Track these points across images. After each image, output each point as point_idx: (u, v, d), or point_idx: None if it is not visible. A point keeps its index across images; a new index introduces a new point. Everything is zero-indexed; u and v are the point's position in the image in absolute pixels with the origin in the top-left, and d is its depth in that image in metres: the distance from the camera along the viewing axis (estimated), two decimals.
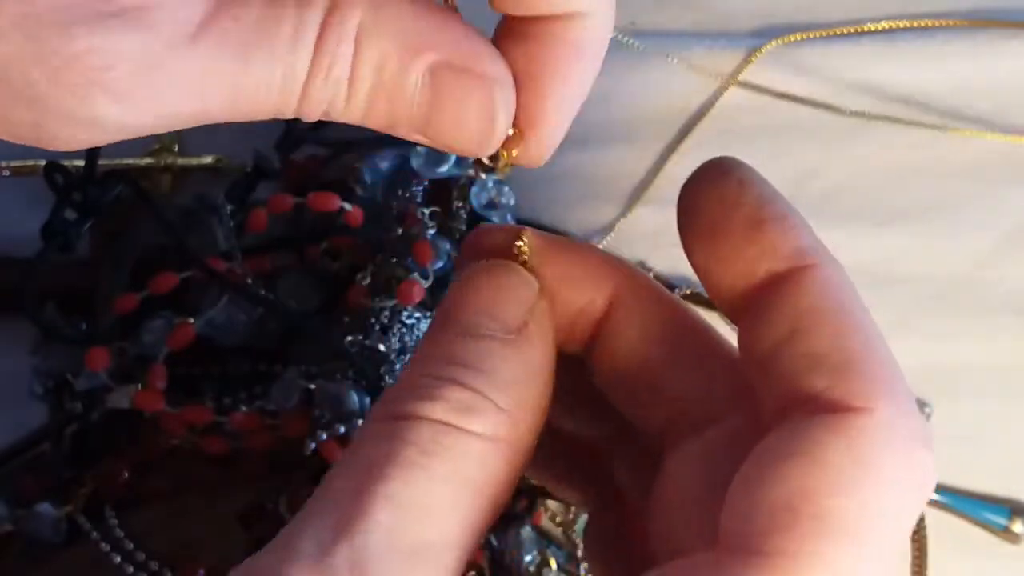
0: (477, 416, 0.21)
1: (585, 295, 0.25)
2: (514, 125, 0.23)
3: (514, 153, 0.24)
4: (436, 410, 0.21)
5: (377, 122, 0.22)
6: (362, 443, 0.21)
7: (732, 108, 0.52)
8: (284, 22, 0.21)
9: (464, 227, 0.45)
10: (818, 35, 0.53)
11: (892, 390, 0.21)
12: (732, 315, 0.23)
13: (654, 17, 0.55)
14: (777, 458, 0.20)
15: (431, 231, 0.44)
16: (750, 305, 0.22)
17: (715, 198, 0.22)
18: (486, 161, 0.24)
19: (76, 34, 0.19)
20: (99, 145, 0.21)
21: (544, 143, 0.24)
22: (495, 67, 0.23)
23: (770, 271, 0.22)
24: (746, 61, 0.53)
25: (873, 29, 0.53)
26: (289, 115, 0.22)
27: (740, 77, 0.52)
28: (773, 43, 0.53)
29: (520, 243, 0.25)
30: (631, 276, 0.25)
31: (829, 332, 0.21)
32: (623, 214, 0.51)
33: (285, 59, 0.21)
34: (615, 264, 0.25)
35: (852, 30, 0.53)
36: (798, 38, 0.53)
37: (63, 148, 0.21)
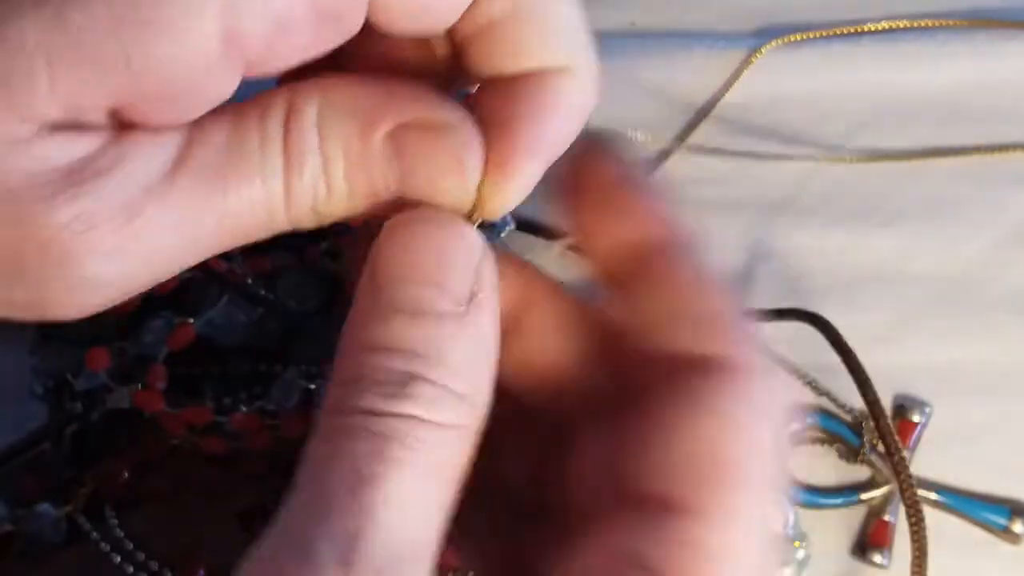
0: (442, 407, 0.21)
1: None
2: (483, 173, 0.23)
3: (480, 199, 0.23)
4: (407, 406, 0.21)
5: (365, 204, 0.23)
6: (339, 436, 0.21)
7: (733, 108, 0.52)
8: (250, 137, 0.21)
9: None
10: (818, 35, 0.53)
11: (753, 337, 0.23)
12: (607, 275, 0.24)
13: (654, 17, 0.55)
14: (683, 416, 0.22)
15: None
16: (627, 268, 0.23)
17: (603, 167, 0.24)
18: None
19: (57, 206, 0.19)
20: (108, 305, 0.21)
21: (508, 188, 0.23)
22: (450, 115, 0.22)
23: (653, 235, 0.23)
24: (746, 62, 0.53)
25: (873, 29, 0.53)
26: (285, 226, 0.22)
27: (740, 77, 0.52)
28: (774, 43, 0.53)
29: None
30: (540, 277, 0.25)
31: (698, 292, 0.23)
32: None
33: (260, 171, 0.21)
34: (523, 265, 0.25)
35: (852, 30, 0.53)
36: (798, 38, 0.53)
37: (74, 315, 0.21)
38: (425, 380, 0.21)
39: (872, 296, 0.49)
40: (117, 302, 0.21)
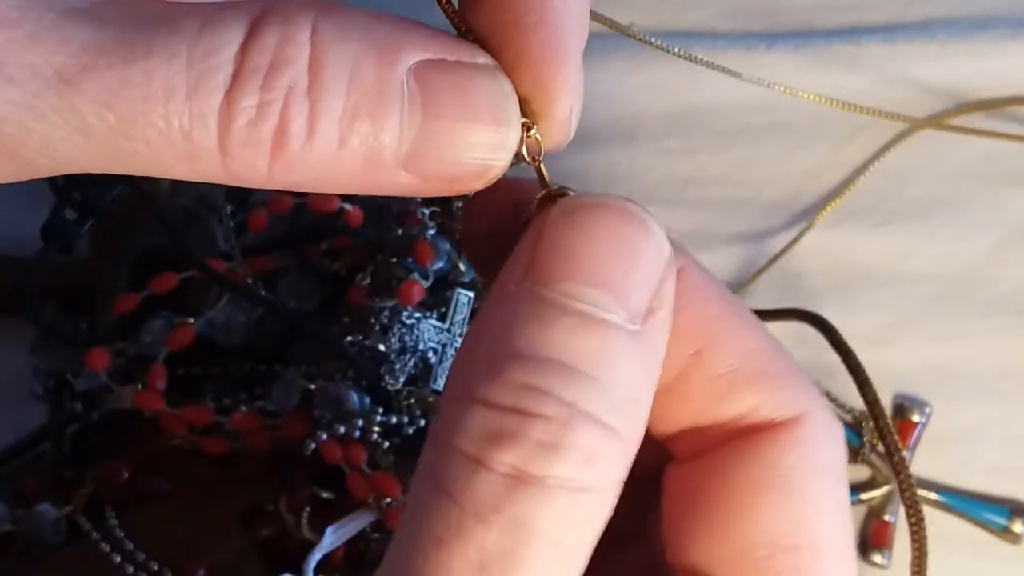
0: (601, 460, 0.17)
1: None
2: (524, 114, 0.19)
3: (535, 137, 0.19)
4: (566, 465, 0.16)
5: (355, 159, 0.17)
6: (459, 512, 0.16)
7: (735, 109, 0.52)
8: (187, 13, 0.16)
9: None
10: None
11: (807, 383, 0.19)
12: None
13: (654, 17, 0.55)
14: (745, 495, 0.19)
15: (431, 231, 0.44)
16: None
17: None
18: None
19: None
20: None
21: (566, 114, 0.19)
22: (480, 56, 0.18)
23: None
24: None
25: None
26: (216, 164, 0.16)
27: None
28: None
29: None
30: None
31: (737, 341, 0.19)
32: None
33: (187, 52, 0.16)
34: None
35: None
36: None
37: None
38: (587, 416, 0.16)
39: (872, 296, 0.49)
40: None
